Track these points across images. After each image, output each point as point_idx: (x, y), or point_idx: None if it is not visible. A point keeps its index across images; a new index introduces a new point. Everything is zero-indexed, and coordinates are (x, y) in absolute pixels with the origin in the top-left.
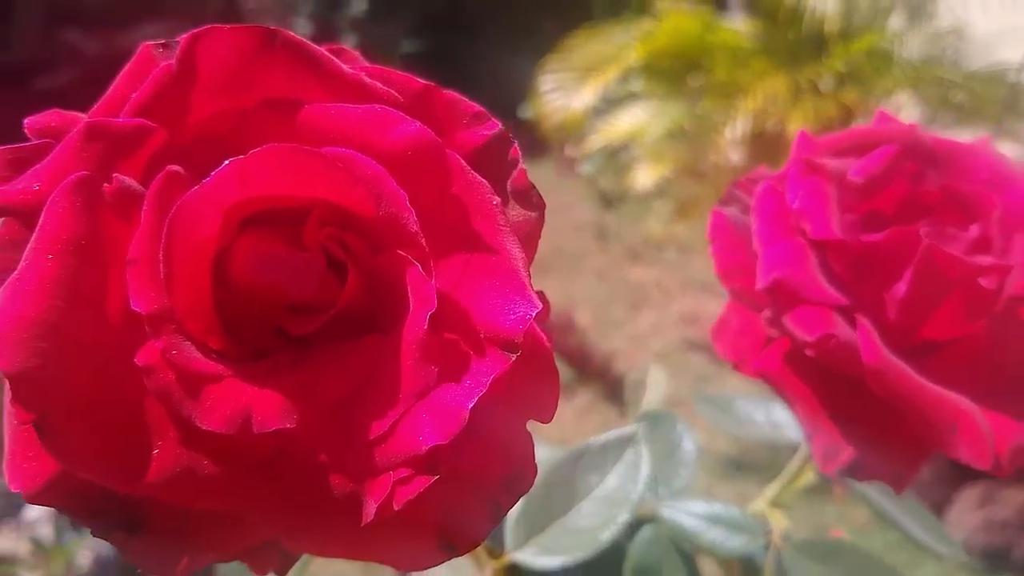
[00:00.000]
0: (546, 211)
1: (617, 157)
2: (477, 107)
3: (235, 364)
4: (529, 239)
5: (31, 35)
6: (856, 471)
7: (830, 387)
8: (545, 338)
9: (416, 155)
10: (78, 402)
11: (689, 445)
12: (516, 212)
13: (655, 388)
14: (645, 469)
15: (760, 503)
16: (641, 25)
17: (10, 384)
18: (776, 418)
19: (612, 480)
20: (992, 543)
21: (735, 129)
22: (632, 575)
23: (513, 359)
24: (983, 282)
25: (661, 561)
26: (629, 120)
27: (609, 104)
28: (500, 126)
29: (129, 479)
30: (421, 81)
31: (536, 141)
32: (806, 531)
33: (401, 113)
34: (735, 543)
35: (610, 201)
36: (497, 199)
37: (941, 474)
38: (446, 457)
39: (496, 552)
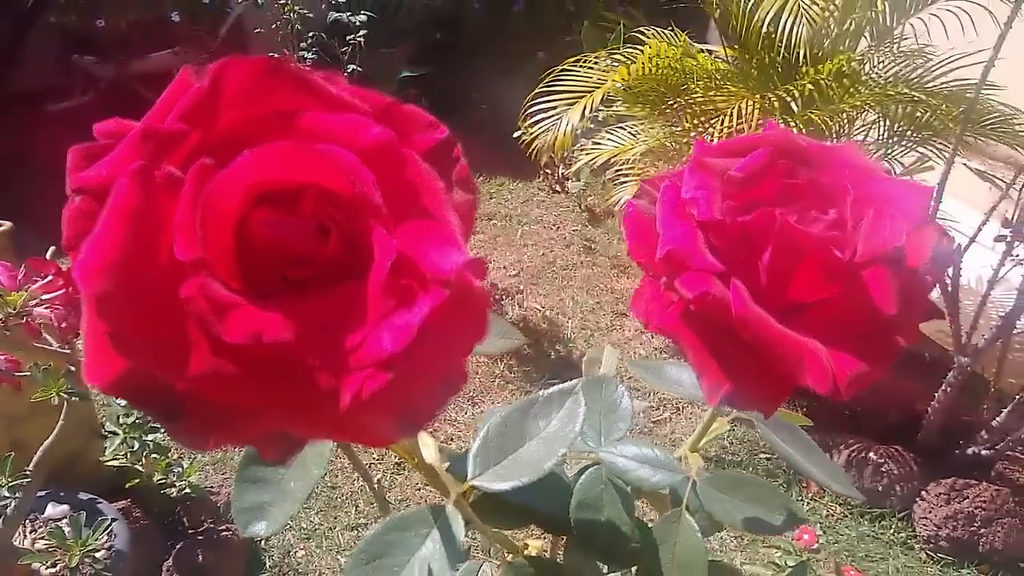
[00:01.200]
0: (538, 226)
1: (603, 175)
2: (431, 118)
3: (249, 299)
4: (468, 214)
5: (46, 60)
6: (734, 401)
7: (712, 336)
8: (476, 283)
9: (381, 150)
10: (139, 319)
11: (626, 404)
12: (458, 195)
13: (608, 364)
14: (581, 415)
15: (682, 448)
16: (624, 52)
17: (96, 304)
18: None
19: (555, 424)
20: (959, 536)
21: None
22: (577, 510)
23: (448, 293)
24: (835, 252)
25: (601, 496)
26: (613, 140)
27: (598, 125)
28: (447, 132)
29: (174, 376)
30: (387, 99)
31: (528, 161)
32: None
33: (371, 120)
34: (659, 478)
35: (597, 217)
36: (441, 183)
37: (910, 472)
38: (400, 361)
39: (461, 478)
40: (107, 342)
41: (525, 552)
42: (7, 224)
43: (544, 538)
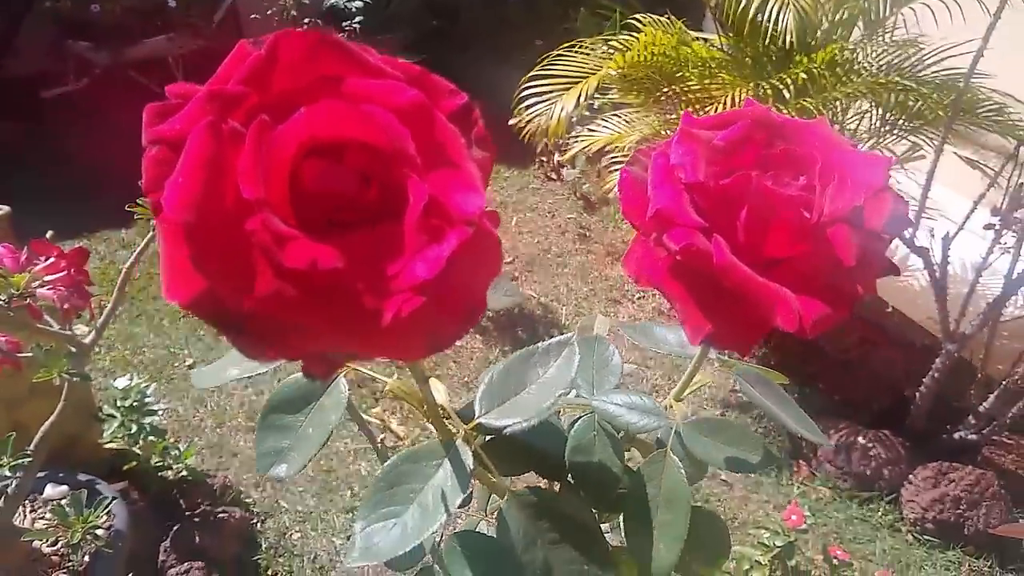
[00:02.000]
0: (533, 214)
1: (598, 163)
2: (453, 86)
3: (304, 233)
4: (485, 168)
5: (41, 46)
6: (714, 341)
7: (696, 285)
8: (492, 229)
9: (414, 111)
10: (215, 247)
11: (616, 360)
12: (476, 151)
13: (600, 328)
14: (576, 363)
15: (668, 398)
16: (619, 39)
17: (183, 232)
18: (683, 339)
19: (552, 371)
20: (946, 519)
21: None
22: (571, 453)
23: (471, 231)
24: (804, 213)
25: (594, 440)
26: (608, 128)
27: (593, 113)
28: (467, 98)
29: (243, 295)
30: (418, 68)
31: (523, 149)
32: (772, 511)
33: (405, 85)
34: (645, 422)
35: (592, 204)
36: (463, 139)
37: (898, 456)
38: (432, 287)
39: (468, 418)
40: (188, 265)
41: None
42: (5, 208)
43: (545, 486)
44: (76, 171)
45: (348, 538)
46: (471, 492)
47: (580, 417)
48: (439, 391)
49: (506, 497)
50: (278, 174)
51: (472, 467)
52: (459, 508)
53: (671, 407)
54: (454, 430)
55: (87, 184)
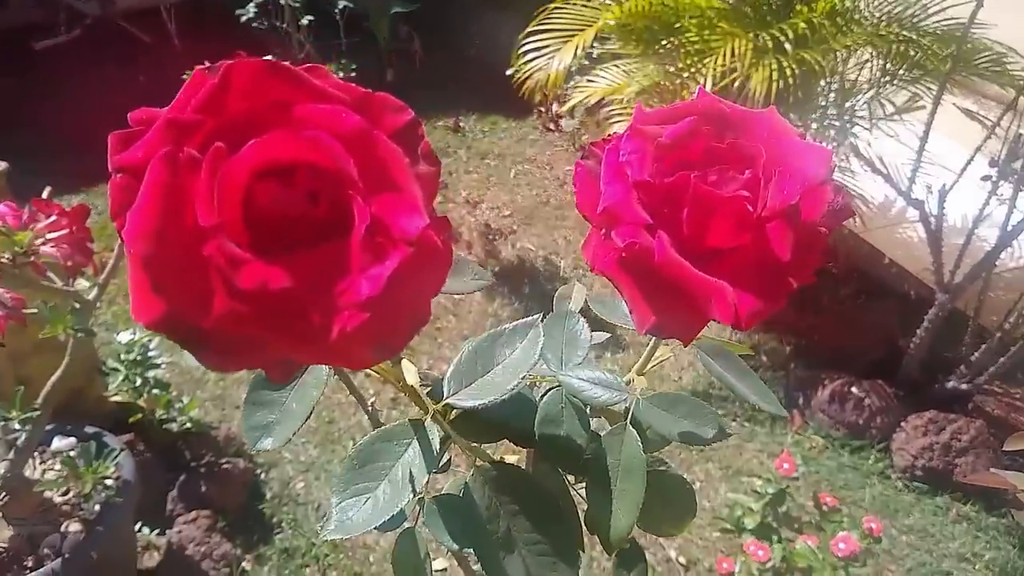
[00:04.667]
0: (531, 166)
1: (597, 114)
2: (400, 103)
3: (257, 255)
4: (430, 182)
5: None
6: (658, 331)
7: (641, 278)
8: (438, 240)
9: (357, 135)
10: (173, 273)
11: (585, 336)
12: (421, 167)
13: (576, 299)
14: (540, 344)
15: (631, 373)
16: None
17: (141, 262)
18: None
19: (518, 352)
20: (935, 466)
21: (704, 86)
22: (540, 425)
23: (412, 250)
24: (747, 208)
25: (561, 413)
26: (607, 79)
27: (592, 63)
28: (412, 115)
29: (201, 315)
30: (362, 89)
31: (522, 99)
32: (766, 460)
33: (349, 110)
34: (607, 396)
35: None
36: (407, 159)
37: (891, 406)
38: (376, 303)
39: (437, 398)
40: (149, 290)
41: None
42: (2, 164)
43: (519, 453)
44: (70, 124)
45: None
46: (449, 459)
47: (549, 390)
48: (410, 372)
49: (471, 472)
50: (232, 198)
51: (439, 447)
52: (437, 472)
53: (633, 381)
54: (426, 409)
55: (82, 137)
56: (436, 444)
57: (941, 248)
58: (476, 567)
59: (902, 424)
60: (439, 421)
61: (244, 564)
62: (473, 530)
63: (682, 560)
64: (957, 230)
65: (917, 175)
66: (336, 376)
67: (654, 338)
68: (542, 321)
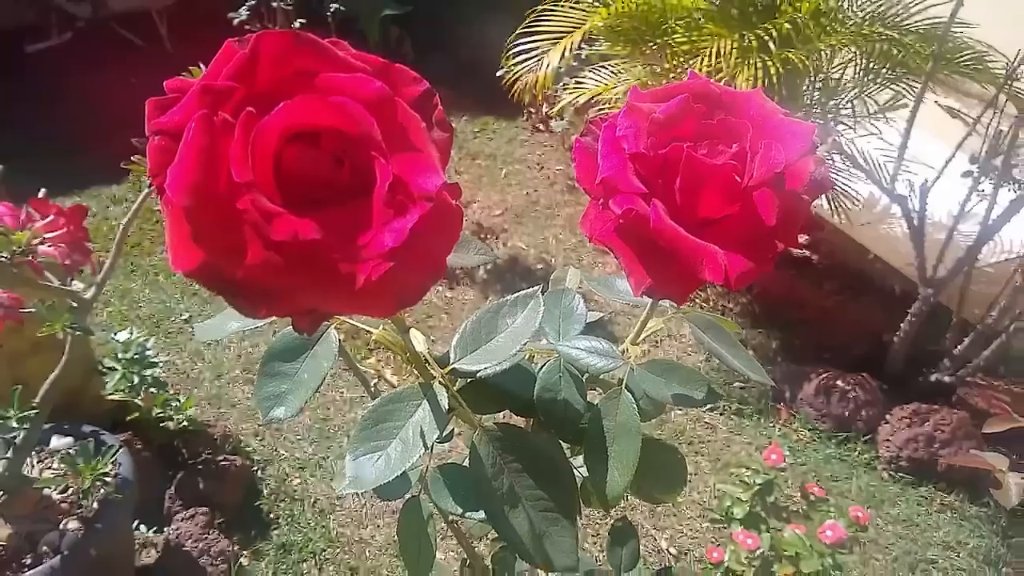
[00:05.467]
0: (521, 166)
1: (586, 114)
2: (415, 74)
3: (288, 209)
4: (445, 147)
5: (23, 0)
6: (653, 292)
7: (637, 244)
8: (452, 200)
9: (379, 100)
10: (211, 224)
11: (581, 310)
12: (436, 133)
13: (571, 281)
14: (540, 313)
15: (625, 343)
16: None
17: (183, 213)
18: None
19: (519, 321)
20: (919, 457)
21: None
22: (540, 393)
23: (430, 205)
24: (735, 178)
25: (559, 381)
26: (596, 79)
27: (581, 64)
28: (428, 85)
29: (236, 264)
30: (382, 60)
31: (512, 100)
32: (754, 452)
33: (372, 78)
34: (603, 363)
35: None
36: (424, 124)
37: (876, 398)
38: (398, 254)
39: (444, 363)
40: (189, 240)
41: None
42: None
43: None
44: (63, 127)
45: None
46: (452, 429)
47: (549, 361)
48: (418, 340)
49: (477, 431)
50: (264, 159)
51: (447, 407)
52: (440, 443)
53: (627, 350)
54: (433, 374)
55: (75, 140)
56: (444, 404)
57: (924, 243)
58: (475, 546)
59: (887, 416)
60: (446, 383)
61: (242, 560)
62: (478, 491)
63: (673, 550)
64: (940, 226)
65: (900, 172)
66: (341, 358)
67: (647, 309)
68: (541, 294)
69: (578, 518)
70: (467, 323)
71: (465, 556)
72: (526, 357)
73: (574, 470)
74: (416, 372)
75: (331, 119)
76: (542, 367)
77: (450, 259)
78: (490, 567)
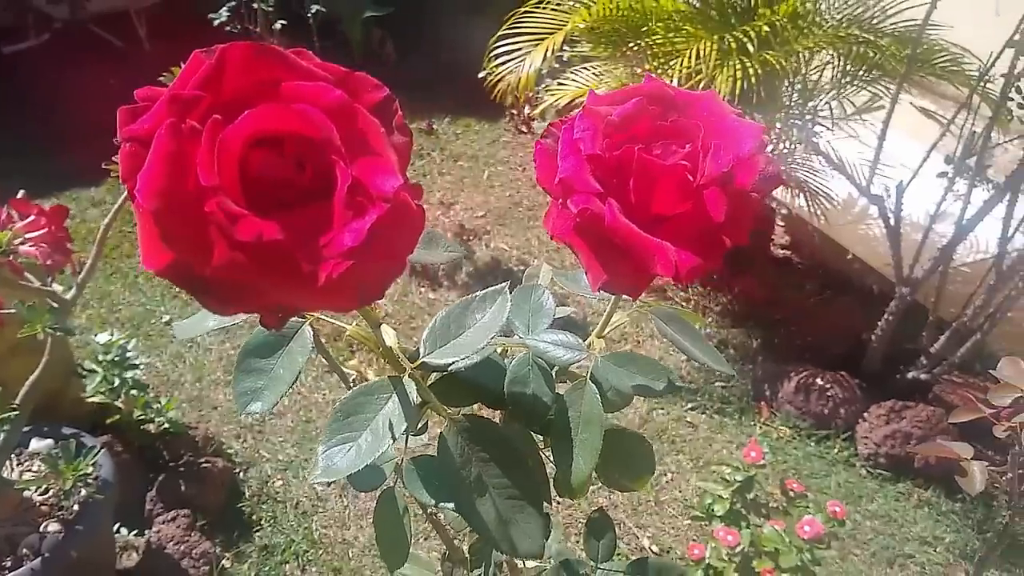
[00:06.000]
0: (504, 168)
1: (569, 116)
2: (376, 81)
3: (252, 212)
4: (404, 151)
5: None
6: (610, 287)
7: (594, 241)
8: (411, 201)
9: (339, 108)
10: (179, 226)
11: (549, 304)
12: (396, 137)
13: (543, 278)
14: (507, 309)
15: (591, 338)
16: None
17: (152, 216)
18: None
19: (488, 316)
20: (897, 453)
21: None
22: (509, 385)
23: (388, 207)
24: (688, 177)
25: (528, 374)
26: (578, 81)
27: (563, 66)
28: (387, 91)
29: (204, 264)
30: (344, 69)
31: (494, 102)
32: (735, 450)
33: (332, 87)
34: (569, 356)
35: None
36: (383, 129)
37: (854, 396)
38: (357, 253)
39: (414, 357)
40: (158, 240)
41: None
42: None
43: (492, 414)
44: (41, 129)
45: (330, 484)
46: (426, 423)
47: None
48: (389, 335)
49: (446, 423)
50: (229, 163)
51: (416, 400)
52: (415, 436)
53: (592, 343)
54: (404, 368)
55: (53, 142)
56: (414, 397)
57: (900, 243)
58: (455, 538)
59: (865, 414)
60: (415, 378)
61: (224, 562)
62: (448, 482)
63: (655, 548)
64: (916, 225)
65: (876, 173)
66: (319, 353)
67: (611, 304)
68: (510, 291)
69: (547, 507)
70: (437, 318)
71: (445, 550)
72: (499, 352)
73: (544, 461)
74: (387, 364)
75: (293, 125)
76: (512, 361)
77: (420, 256)
78: (468, 558)
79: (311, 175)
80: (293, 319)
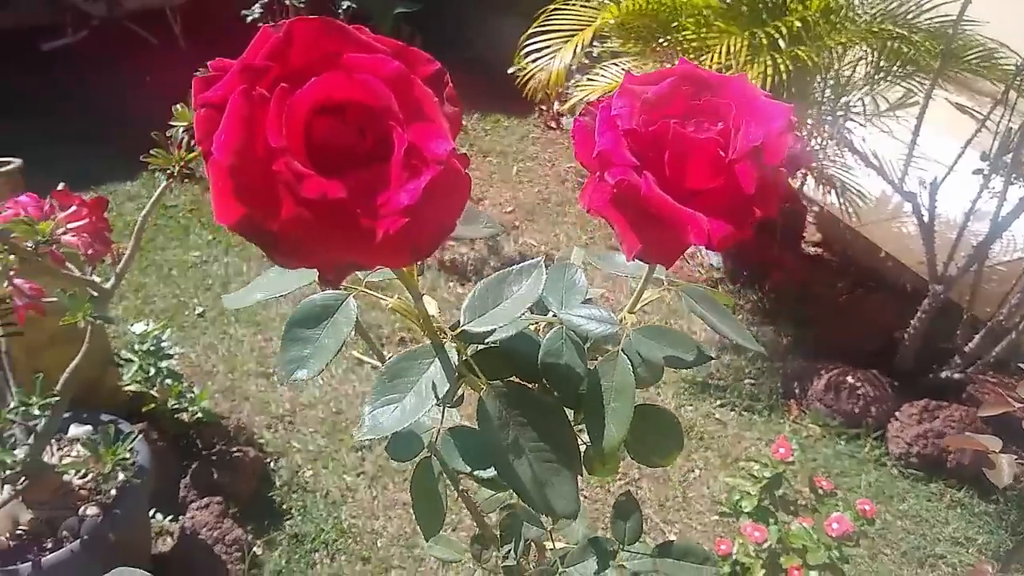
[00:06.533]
0: (533, 163)
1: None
2: (429, 55)
3: (316, 172)
4: (455, 120)
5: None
6: (645, 256)
7: (630, 212)
8: (461, 168)
9: (397, 77)
10: (251, 182)
11: (582, 282)
12: (447, 107)
13: (575, 259)
14: (543, 281)
15: (623, 312)
16: None
17: (227, 172)
18: (637, 263)
19: (524, 289)
20: (929, 453)
21: None
22: (543, 358)
23: (441, 168)
24: (720, 153)
25: (562, 347)
26: (607, 77)
27: (593, 61)
28: (439, 65)
29: (272, 219)
30: (399, 42)
31: (523, 98)
32: (764, 448)
33: (391, 58)
34: (602, 329)
35: None
36: (436, 98)
37: (886, 395)
38: (412, 211)
39: (455, 326)
40: (231, 196)
41: None
42: (17, 161)
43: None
44: (78, 124)
45: (359, 475)
46: (462, 393)
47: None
48: (431, 305)
49: (484, 388)
50: (296, 128)
51: (457, 362)
52: (451, 407)
53: (624, 318)
54: (444, 336)
55: (90, 137)
56: (455, 360)
57: (934, 240)
58: (484, 516)
59: (897, 413)
60: (456, 343)
61: (255, 549)
62: (486, 446)
63: None
64: (950, 223)
65: (910, 169)
66: (357, 332)
67: (643, 280)
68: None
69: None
70: (475, 291)
71: (475, 533)
72: (534, 330)
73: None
74: (427, 336)
75: (355, 94)
76: (547, 334)
77: (460, 231)
78: (498, 534)
79: (371, 140)
80: (337, 291)
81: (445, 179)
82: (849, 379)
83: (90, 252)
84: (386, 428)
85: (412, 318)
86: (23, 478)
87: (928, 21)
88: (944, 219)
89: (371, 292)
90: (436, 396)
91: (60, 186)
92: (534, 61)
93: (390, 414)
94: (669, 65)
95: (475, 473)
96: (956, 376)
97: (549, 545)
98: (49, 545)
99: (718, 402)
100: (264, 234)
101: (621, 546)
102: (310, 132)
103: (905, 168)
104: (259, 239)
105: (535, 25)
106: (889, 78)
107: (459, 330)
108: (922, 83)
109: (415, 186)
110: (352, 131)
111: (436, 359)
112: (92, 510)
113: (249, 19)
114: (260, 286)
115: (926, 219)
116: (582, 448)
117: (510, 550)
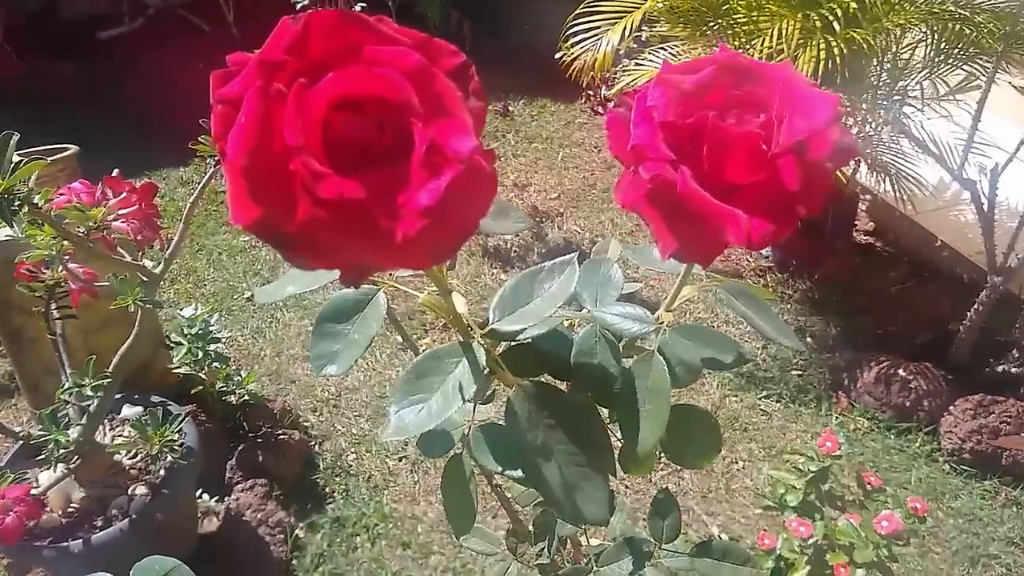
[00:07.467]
0: (579, 149)
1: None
2: (454, 47)
3: (334, 171)
4: (480, 115)
5: None
6: (681, 256)
7: (665, 208)
8: (485, 164)
9: (418, 71)
10: (267, 182)
11: (617, 277)
12: (471, 102)
13: (612, 252)
14: (575, 279)
15: (660, 310)
16: None
17: (241, 172)
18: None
19: (555, 286)
20: (983, 449)
21: None
22: (576, 356)
23: (463, 167)
24: (762, 146)
25: (595, 346)
26: (655, 61)
27: (641, 46)
28: (464, 57)
29: (288, 219)
30: (422, 34)
31: (570, 83)
32: (810, 440)
33: (411, 50)
34: (637, 328)
35: None
36: (459, 93)
37: (939, 388)
38: (433, 212)
39: (484, 324)
40: (247, 196)
41: None
42: (73, 147)
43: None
44: (134, 111)
45: (401, 459)
46: (493, 391)
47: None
48: (460, 302)
49: (514, 388)
50: (313, 124)
51: (484, 364)
52: (482, 404)
53: (661, 316)
54: (473, 334)
55: (145, 123)
56: (482, 361)
57: (994, 230)
58: (519, 511)
59: (950, 407)
60: (483, 343)
61: (298, 532)
62: (514, 444)
63: (724, 536)
64: (1012, 212)
65: (969, 155)
66: (393, 327)
67: (680, 277)
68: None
69: (612, 483)
70: (506, 287)
71: (510, 526)
72: (566, 326)
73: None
74: (456, 333)
75: (374, 88)
76: (580, 332)
77: (489, 225)
78: (532, 531)
79: (390, 136)
80: (367, 286)
81: (468, 178)
82: (901, 372)
83: (139, 238)
84: (412, 429)
85: (441, 314)
86: (76, 457)
87: (992, 2)
88: (1005, 207)
89: (400, 286)
90: (463, 398)
91: (114, 172)
92: (579, 44)
93: (416, 415)
94: (719, 49)
95: (506, 472)
96: (1013, 370)
97: (584, 541)
98: (99, 523)
99: (764, 393)
100: (281, 236)
101: (659, 544)
102: (327, 129)
103: (964, 154)
104: (276, 240)
105: (583, 5)
106: (950, 61)
107: (488, 329)
108: (984, 66)
109: (436, 186)
110: (371, 127)
111: (463, 359)
112: (141, 489)
113: (299, 6)
114: (292, 279)
115: (986, 207)
116: (616, 445)
117: (543, 548)
